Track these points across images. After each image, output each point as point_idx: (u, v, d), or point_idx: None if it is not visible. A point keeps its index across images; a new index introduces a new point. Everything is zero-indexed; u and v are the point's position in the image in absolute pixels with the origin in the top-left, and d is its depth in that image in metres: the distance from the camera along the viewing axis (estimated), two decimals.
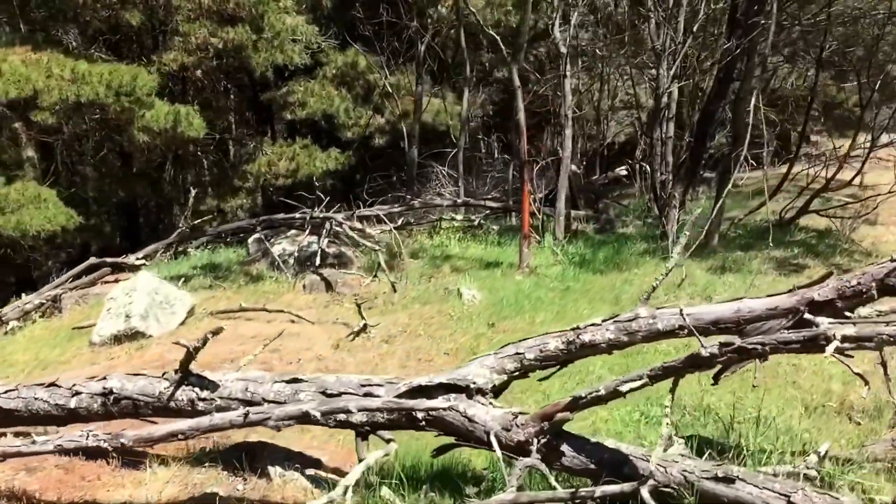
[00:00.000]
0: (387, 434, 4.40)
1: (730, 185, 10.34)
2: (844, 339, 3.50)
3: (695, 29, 12.51)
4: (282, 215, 12.79)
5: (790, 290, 4.47)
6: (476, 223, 14.10)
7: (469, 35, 17.93)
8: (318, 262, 10.60)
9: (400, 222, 13.54)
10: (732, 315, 4.44)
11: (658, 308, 4.58)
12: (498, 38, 10.63)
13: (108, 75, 13.49)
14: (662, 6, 12.74)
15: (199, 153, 21.06)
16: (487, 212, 14.46)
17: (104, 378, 4.46)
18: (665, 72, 12.38)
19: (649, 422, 5.96)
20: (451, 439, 4.45)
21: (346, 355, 7.60)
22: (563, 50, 11.86)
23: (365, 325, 7.95)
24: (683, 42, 12.29)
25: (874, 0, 11.72)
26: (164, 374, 4.47)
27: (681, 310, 4.10)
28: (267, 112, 23.25)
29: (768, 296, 4.52)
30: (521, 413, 4.30)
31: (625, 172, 18.25)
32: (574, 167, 15.32)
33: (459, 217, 14.20)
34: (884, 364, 4.41)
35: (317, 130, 21.99)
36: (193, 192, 12.60)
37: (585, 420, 5.89)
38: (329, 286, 10.27)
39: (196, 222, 13.45)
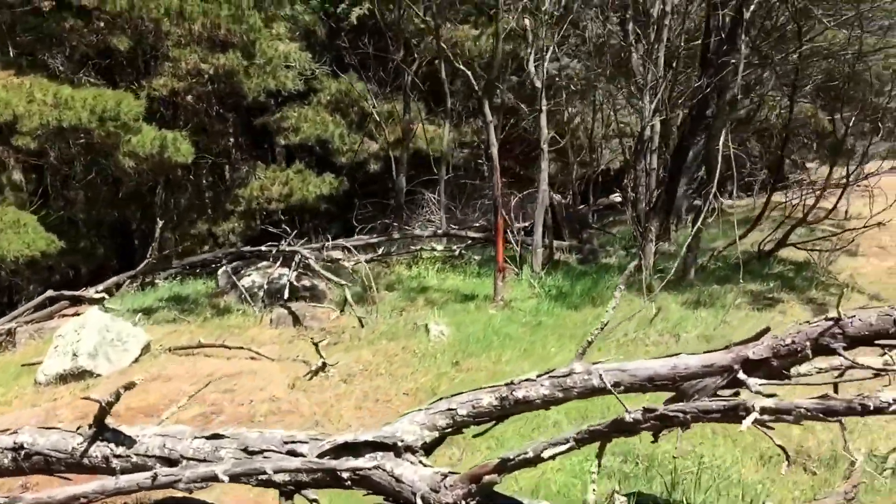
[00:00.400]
0: (311, 493, 4.27)
1: (699, 223, 10.30)
2: (763, 410, 3.41)
3: (675, 65, 12.51)
4: (249, 248, 12.61)
5: (726, 347, 4.37)
6: (457, 253, 13.94)
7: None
8: (286, 295, 10.45)
9: (381, 252, 13.43)
10: (668, 372, 4.33)
11: (594, 363, 4.47)
12: (469, 73, 10.56)
13: (91, 100, 13.40)
14: (644, 41, 12.74)
15: (191, 177, 21.02)
16: (470, 241, 14.29)
17: (15, 432, 4.32)
18: (648, 105, 12.36)
19: (601, 473, 5.79)
20: (380, 498, 4.33)
21: (302, 396, 7.43)
22: (539, 84, 11.80)
23: (324, 364, 7.80)
24: (664, 77, 12.27)
25: (844, 41, 11.72)
26: (78, 429, 4.34)
27: (600, 374, 3.98)
28: (263, 137, 23.27)
29: (705, 352, 4.42)
30: (451, 473, 4.17)
31: (619, 199, 18.14)
32: (558, 196, 15.20)
33: (440, 247, 14.05)
34: None
35: (314, 155, 22.00)
36: (161, 223, 12.50)
37: (537, 469, 5.72)
38: (297, 320, 10.10)
39: (166, 252, 13.35)
